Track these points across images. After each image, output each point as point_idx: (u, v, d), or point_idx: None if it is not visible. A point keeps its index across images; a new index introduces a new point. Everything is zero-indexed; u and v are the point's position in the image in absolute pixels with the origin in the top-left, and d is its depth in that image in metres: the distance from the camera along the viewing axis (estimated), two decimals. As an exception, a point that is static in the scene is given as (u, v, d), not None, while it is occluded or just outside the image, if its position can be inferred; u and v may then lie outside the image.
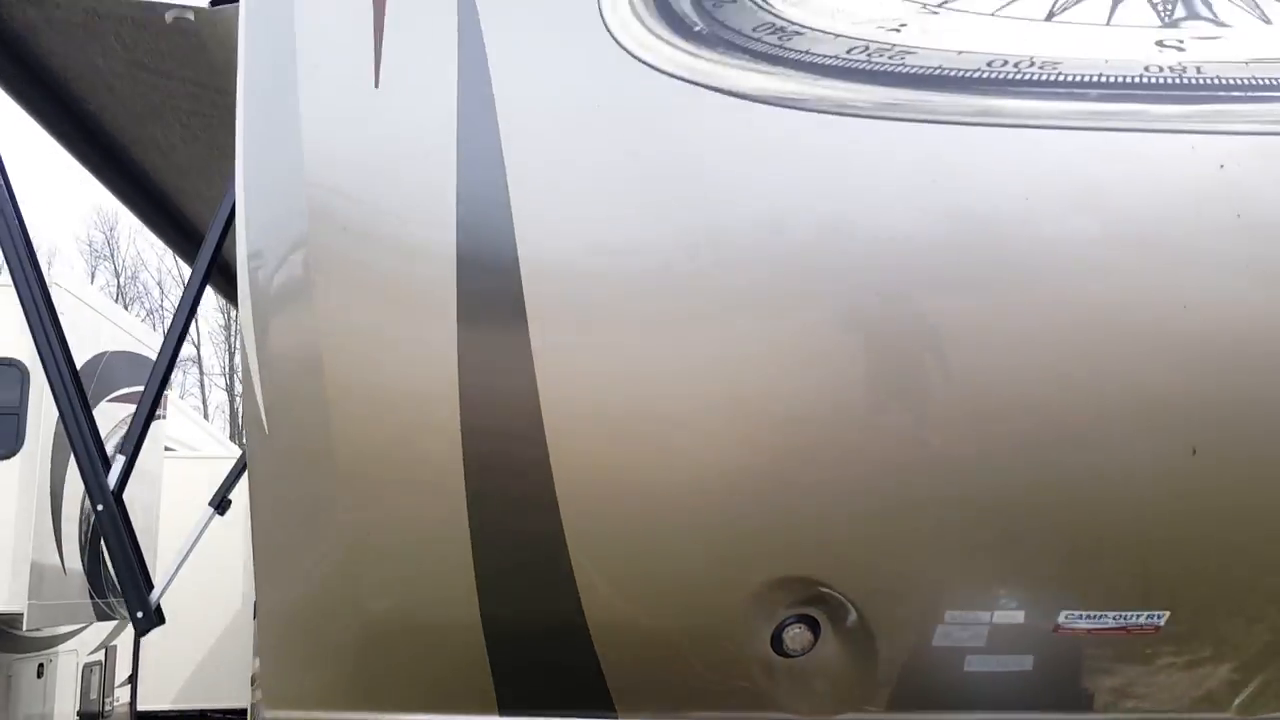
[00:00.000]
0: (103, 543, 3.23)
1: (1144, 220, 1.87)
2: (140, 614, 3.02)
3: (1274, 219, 1.89)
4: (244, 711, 9.15)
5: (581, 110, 2.00)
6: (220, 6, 2.67)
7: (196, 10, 2.68)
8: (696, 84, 1.90)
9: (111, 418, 6.89)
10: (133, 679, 9.02)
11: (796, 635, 2.17)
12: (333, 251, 2.13)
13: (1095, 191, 1.86)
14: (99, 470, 3.01)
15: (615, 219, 1.99)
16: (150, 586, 3.04)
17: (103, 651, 8.39)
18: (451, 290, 1.99)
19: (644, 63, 1.93)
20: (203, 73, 2.93)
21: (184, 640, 9.09)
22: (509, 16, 2.01)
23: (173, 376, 7.65)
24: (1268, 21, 1.94)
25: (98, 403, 6.71)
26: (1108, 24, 1.91)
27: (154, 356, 7.33)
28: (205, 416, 25.91)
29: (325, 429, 2.10)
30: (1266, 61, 1.90)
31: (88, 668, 8.13)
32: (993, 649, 2.17)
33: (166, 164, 3.66)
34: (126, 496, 2.99)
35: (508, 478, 2.05)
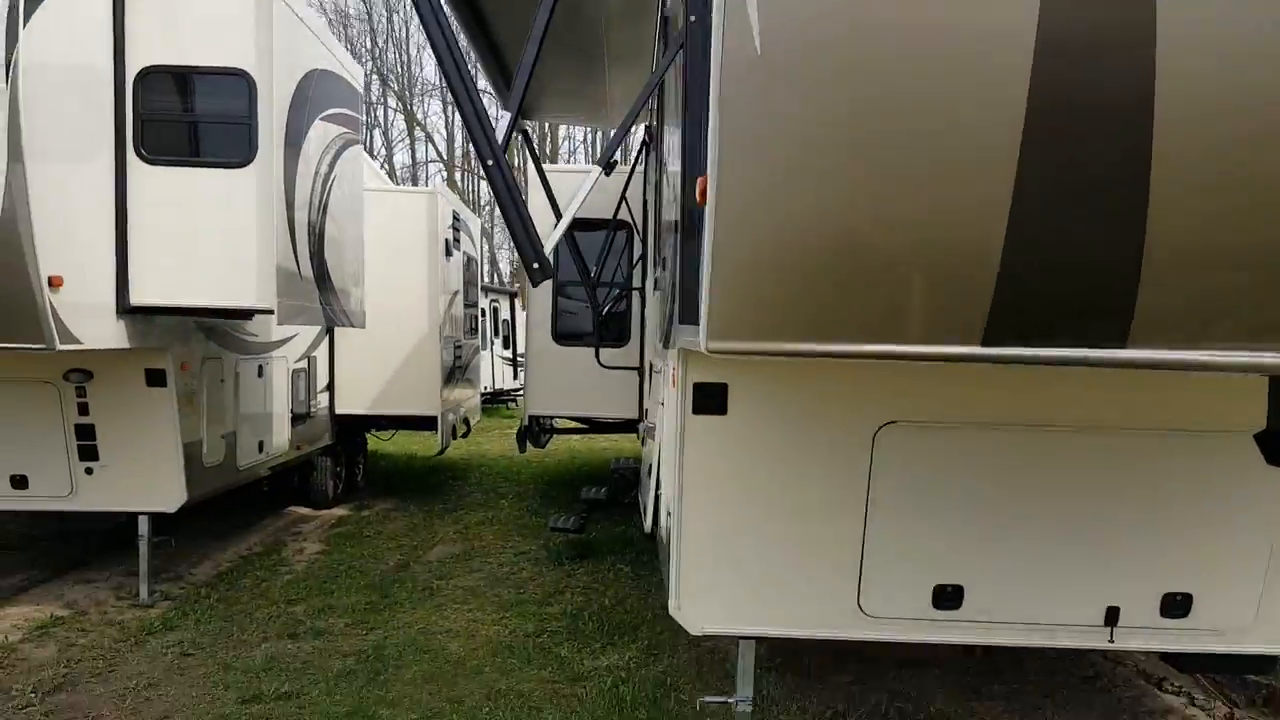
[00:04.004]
0: (496, 202, 3.27)
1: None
2: (536, 265, 3.24)
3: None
4: (433, 418, 10.12)
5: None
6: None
7: None
8: None
9: (325, 135, 6.95)
10: (330, 386, 9.96)
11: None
12: None
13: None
14: (488, 126, 3.21)
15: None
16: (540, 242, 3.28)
17: (306, 360, 9.23)
18: None
19: None
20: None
21: (374, 355, 9.94)
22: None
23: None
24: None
25: (313, 119, 6.71)
26: None
27: (348, 79, 7.44)
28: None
29: None
30: None
31: (295, 373, 8.96)
32: None
33: None
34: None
35: None
